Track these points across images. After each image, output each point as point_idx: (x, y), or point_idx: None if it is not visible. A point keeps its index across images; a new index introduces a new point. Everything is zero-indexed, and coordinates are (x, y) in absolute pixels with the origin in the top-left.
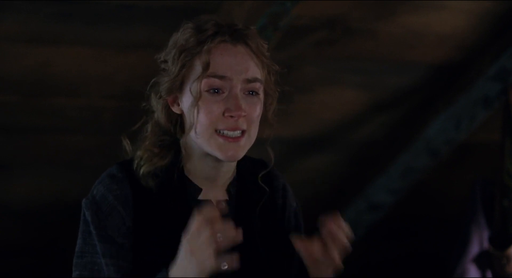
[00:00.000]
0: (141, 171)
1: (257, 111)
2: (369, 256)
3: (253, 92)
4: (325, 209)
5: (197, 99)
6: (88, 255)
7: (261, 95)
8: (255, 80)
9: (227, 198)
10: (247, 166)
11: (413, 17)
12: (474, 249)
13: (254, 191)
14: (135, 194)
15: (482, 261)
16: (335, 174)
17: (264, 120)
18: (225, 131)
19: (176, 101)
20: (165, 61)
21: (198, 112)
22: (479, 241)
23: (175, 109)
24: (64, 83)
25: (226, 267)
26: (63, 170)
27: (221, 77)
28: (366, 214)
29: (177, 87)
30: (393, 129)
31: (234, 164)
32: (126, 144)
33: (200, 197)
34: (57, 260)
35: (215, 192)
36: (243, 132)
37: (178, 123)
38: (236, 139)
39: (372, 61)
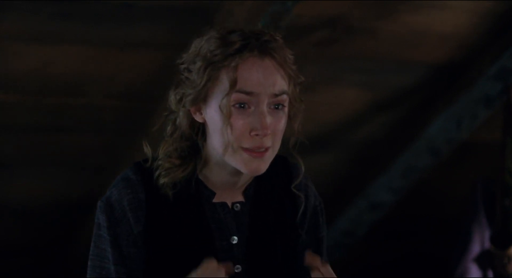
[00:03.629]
0: (161, 181)
1: (282, 125)
2: (370, 256)
3: (278, 106)
4: (326, 207)
5: (228, 116)
6: (96, 259)
7: (286, 108)
8: (282, 93)
9: (243, 200)
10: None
11: (414, 17)
12: (475, 248)
13: (272, 194)
14: (149, 197)
15: (483, 260)
16: (336, 173)
17: (289, 131)
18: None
19: (199, 110)
20: (189, 70)
21: (232, 129)
22: (480, 240)
23: (198, 118)
24: (65, 82)
25: (239, 270)
26: (64, 170)
27: (249, 94)
28: (367, 214)
29: (202, 99)
30: (394, 129)
31: None
32: (146, 147)
33: (215, 200)
34: (57, 260)
35: (231, 195)
36: (266, 148)
37: (200, 130)
38: (260, 154)
39: (373, 60)
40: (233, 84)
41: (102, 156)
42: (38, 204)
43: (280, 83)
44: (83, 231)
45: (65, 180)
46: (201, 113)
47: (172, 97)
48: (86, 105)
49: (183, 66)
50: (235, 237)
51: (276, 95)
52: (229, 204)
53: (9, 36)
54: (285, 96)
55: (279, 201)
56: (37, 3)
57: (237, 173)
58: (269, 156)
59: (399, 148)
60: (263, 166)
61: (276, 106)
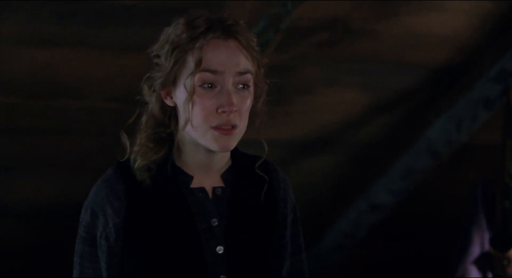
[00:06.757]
0: (136, 165)
1: (247, 104)
2: (370, 257)
3: (244, 86)
4: (326, 209)
5: (191, 94)
6: (77, 256)
7: (251, 88)
8: (246, 72)
9: (222, 185)
10: (242, 157)
11: (414, 18)
12: (475, 250)
13: (251, 179)
14: (128, 188)
15: (483, 262)
16: (336, 174)
17: (254, 111)
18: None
19: (169, 94)
20: (158, 56)
21: (193, 107)
22: (480, 242)
23: (168, 102)
24: (65, 84)
25: (221, 251)
26: (65, 172)
27: (214, 72)
28: (367, 215)
29: (171, 82)
30: (394, 130)
31: (227, 152)
32: (125, 140)
33: (194, 185)
34: (59, 260)
35: (210, 179)
36: (234, 125)
37: (172, 115)
38: (229, 132)
39: (373, 62)
40: (198, 63)
41: (102, 158)
42: (39, 205)
43: (244, 62)
44: None
45: (65, 182)
46: (171, 97)
47: (144, 86)
48: (86, 107)
49: (152, 54)
50: (215, 220)
51: (240, 73)
52: (208, 189)
53: (10, 38)
54: (249, 76)
55: (256, 188)
56: (38, 4)
57: (210, 153)
58: (237, 134)
59: (399, 149)
60: (231, 142)
61: (242, 86)
